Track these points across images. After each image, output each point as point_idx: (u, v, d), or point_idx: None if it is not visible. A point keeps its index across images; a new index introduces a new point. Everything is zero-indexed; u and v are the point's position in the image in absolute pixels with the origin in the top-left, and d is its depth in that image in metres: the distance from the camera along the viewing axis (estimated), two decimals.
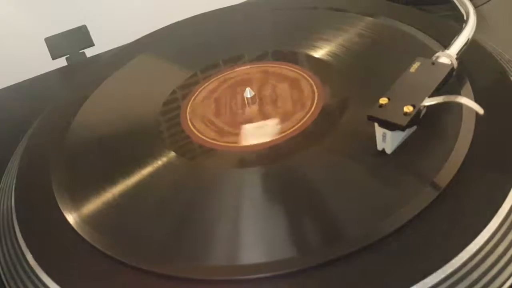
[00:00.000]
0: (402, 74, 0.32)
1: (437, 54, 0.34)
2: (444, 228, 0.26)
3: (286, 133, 0.34)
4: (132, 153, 0.36)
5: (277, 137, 0.34)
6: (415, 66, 0.33)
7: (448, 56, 0.33)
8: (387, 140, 0.30)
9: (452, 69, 0.33)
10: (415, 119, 0.30)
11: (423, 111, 0.30)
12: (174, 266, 0.27)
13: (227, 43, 0.47)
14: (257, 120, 0.36)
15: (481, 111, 0.27)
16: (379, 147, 0.30)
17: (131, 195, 0.32)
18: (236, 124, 0.36)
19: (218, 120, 0.37)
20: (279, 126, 0.35)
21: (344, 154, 0.32)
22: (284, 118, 0.36)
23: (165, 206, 0.31)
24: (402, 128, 0.29)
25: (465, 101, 0.28)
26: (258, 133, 0.35)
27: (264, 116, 0.37)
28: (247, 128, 0.36)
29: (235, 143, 0.35)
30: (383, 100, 0.30)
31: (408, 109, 0.29)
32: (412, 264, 0.24)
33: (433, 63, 0.33)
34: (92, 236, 0.29)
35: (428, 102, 0.30)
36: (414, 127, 0.31)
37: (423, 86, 0.31)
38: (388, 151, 0.30)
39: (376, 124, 0.30)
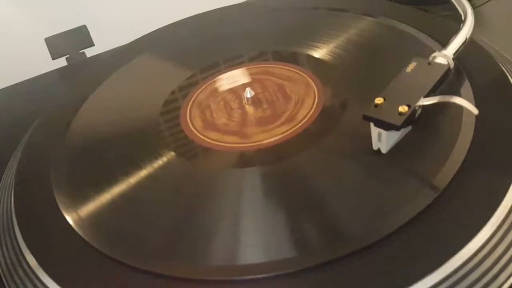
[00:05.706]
0: (398, 74, 0.32)
1: (433, 54, 0.34)
2: (444, 228, 0.26)
3: (286, 133, 0.34)
4: (132, 153, 0.36)
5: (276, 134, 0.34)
6: (411, 66, 0.33)
7: (444, 56, 0.33)
8: (382, 140, 0.30)
9: (449, 69, 0.33)
10: (410, 119, 0.30)
11: (419, 111, 0.30)
12: (174, 266, 0.27)
13: (227, 43, 0.47)
14: (257, 120, 0.36)
15: (475, 111, 0.27)
16: (375, 147, 0.30)
17: (131, 195, 0.32)
18: (236, 124, 0.36)
19: (218, 120, 0.37)
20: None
21: (345, 154, 0.32)
22: (284, 118, 0.36)
23: (165, 206, 0.31)
24: (397, 128, 0.29)
25: (460, 101, 0.28)
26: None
27: (264, 116, 0.37)
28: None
29: (235, 143, 0.35)
30: (379, 100, 0.30)
31: (403, 109, 0.29)
32: (412, 264, 0.24)
33: (429, 63, 0.33)
34: (92, 236, 0.29)
35: (423, 102, 0.30)
36: (410, 127, 0.31)
37: (418, 86, 0.31)
38: (383, 150, 0.30)
39: (371, 124, 0.30)
